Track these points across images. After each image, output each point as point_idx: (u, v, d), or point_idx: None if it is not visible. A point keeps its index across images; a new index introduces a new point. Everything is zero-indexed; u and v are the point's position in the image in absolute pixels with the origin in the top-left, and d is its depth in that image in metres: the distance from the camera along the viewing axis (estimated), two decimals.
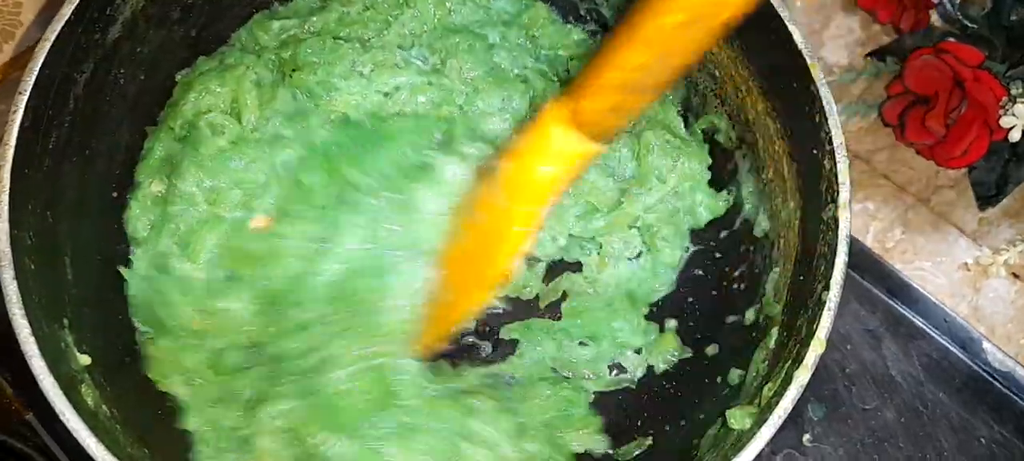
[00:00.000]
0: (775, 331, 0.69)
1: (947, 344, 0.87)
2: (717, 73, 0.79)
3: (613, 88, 0.58)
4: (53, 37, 0.65)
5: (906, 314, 0.88)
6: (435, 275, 0.72)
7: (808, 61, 0.67)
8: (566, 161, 0.63)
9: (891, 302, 0.89)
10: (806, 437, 0.84)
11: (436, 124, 0.79)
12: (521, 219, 0.66)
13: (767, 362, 0.68)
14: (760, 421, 0.60)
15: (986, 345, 0.87)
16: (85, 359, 0.64)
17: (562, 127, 0.61)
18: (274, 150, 0.76)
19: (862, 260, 0.90)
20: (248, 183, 0.76)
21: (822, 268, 0.64)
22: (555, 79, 0.82)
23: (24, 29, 0.92)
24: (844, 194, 0.64)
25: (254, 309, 0.74)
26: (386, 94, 0.80)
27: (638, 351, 0.79)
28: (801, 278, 0.68)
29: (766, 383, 0.64)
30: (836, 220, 0.64)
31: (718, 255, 0.82)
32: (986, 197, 0.93)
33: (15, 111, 0.63)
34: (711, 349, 0.78)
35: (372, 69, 0.79)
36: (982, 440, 0.84)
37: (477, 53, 0.81)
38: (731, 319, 0.77)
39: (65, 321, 0.64)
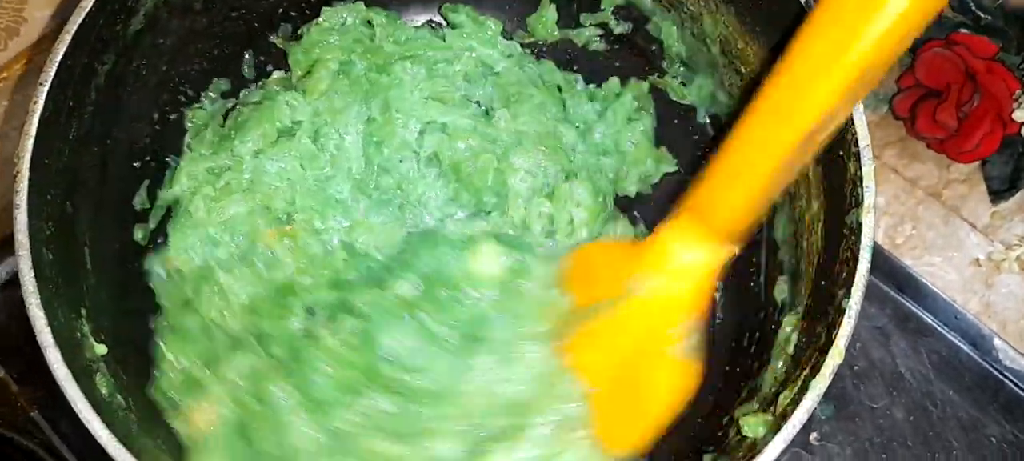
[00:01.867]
0: (794, 336, 0.67)
1: (957, 341, 0.86)
2: (743, 69, 0.78)
3: (737, 180, 0.54)
4: (74, 28, 0.65)
5: (916, 311, 0.87)
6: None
7: None
8: (703, 278, 0.59)
9: (900, 298, 0.87)
10: (813, 436, 0.83)
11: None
12: (665, 339, 0.61)
13: (785, 368, 0.67)
14: (775, 429, 0.59)
15: (997, 342, 0.86)
16: (101, 348, 0.64)
17: (691, 246, 0.57)
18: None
19: (871, 255, 0.88)
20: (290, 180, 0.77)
21: (844, 274, 0.63)
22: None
23: (28, 25, 0.92)
24: (868, 198, 0.63)
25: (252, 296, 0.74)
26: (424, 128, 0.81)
27: None
28: (822, 283, 0.67)
29: (782, 390, 0.63)
30: (859, 224, 0.62)
31: (739, 257, 0.81)
32: (999, 191, 0.91)
33: (36, 101, 0.62)
34: (730, 353, 0.77)
35: (428, 97, 0.80)
36: (993, 439, 0.83)
37: (539, 111, 0.81)
38: (751, 322, 0.76)
39: (82, 311, 0.65)
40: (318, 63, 0.81)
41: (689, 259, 0.58)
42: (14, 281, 0.86)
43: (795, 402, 0.59)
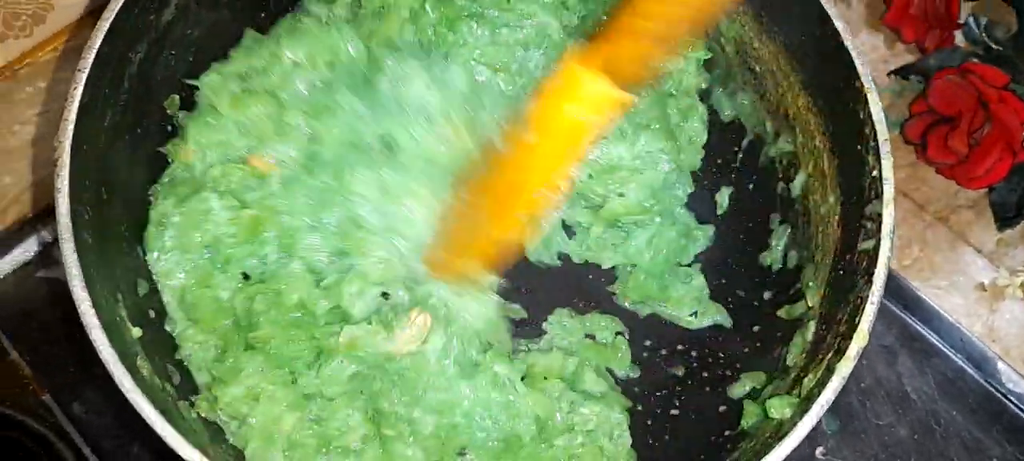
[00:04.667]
0: (813, 324, 0.69)
1: (962, 363, 0.87)
2: (757, 68, 0.80)
3: (638, 36, 0.58)
4: (111, 17, 0.66)
5: (922, 331, 0.88)
6: (457, 200, 0.74)
7: (854, 56, 0.67)
8: (596, 106, 0.63)
9: (907, 319, 0.89)
10: (819, 450, 0.84)
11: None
12: (551, 159, 0.66)
13: (805, 354, 0.68)
14: (801, 411, 0.60)
15: (1001, 365, 0.87)
16: (136, 331, 0.65)
17: (591, 72, 0.61)
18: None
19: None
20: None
21: (864, 264, 0.65)
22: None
23: (55, 13, 0.93)
24: (888, 190, 0.64)
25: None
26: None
27: None
28: (841, 272, 0.69)
29: (805, 375, 0.65)
30: (880, 216, 0.64)
31: (750, 248, 0.83)
32: (1005, 218, 0.93)
33: (75, 88, 0.63)
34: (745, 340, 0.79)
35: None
36: (995, 460, 0.84)
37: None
38: (767, 313, 0.78)
39: (119, 296, 0.65)
40: (391, 8, 0.80)
41: (594, 88, 0.62)
42: (29, 264, 0.87)
43: (821, 384, 0.61)
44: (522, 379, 0.73)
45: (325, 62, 0.78)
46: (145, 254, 0.73)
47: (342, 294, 0.72)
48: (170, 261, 0.73)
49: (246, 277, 0.75)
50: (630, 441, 0.74)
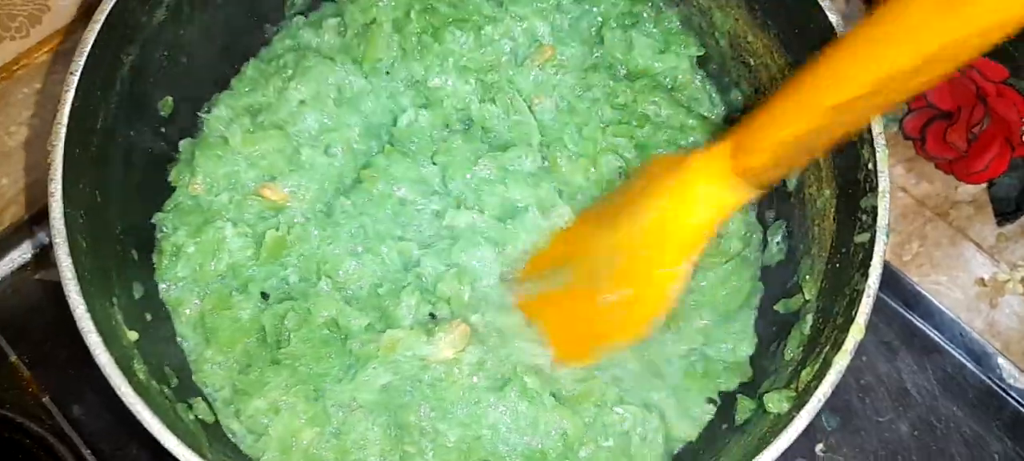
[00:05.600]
0: (809, 318, 0.69)
1: (962, 359, 0.87)
2: (751, 61, 0.80)
3: (782, 145, 0.56)
4: (103, 18, 0.66)
5: (922, 327, 0.88)
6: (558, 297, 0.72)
7: None
8: (720, 211, 0.62)
9: (907, 315, 0.89)
10: (819, 447, 0.84)
11: None
12: (668, 265, 0.64)
13: (801, 348, 0.68)
14: (799, 405, 0.60)
15: (1001, 361, 0.87)
16: (132, 335, 0.65)
17: (717, 180, 0.60)
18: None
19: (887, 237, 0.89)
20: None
21: (860, 257, 0.65)
22: None
23: (51, 14, 0.93)
24: (883, 183, 0.64)
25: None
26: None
27: None
28: (837, 266, 0.69)
29: (802, 368, 0.65)
30: (875, 208, 0.64)
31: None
32: (1005, 213, 0.93)
33: (67, 90, 0.63)
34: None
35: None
36: (996, 456, 0.84)
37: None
38: (765, 308, 0.77)
39: (114, 299, 0.65)
40: (374, 25, 0.81)
41: (710, 190, 0.60)
42: (26, 267, 0.86)
43: (818, 377, 0.60)
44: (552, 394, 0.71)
45: (332, 99, 0.79)
46: (151, 266, 0.73)
47: (399, 302, 0.72)
48: (183, 289, 0.73)
49: (263, 296, 0.75)
50: (662, 447, 0.71)
